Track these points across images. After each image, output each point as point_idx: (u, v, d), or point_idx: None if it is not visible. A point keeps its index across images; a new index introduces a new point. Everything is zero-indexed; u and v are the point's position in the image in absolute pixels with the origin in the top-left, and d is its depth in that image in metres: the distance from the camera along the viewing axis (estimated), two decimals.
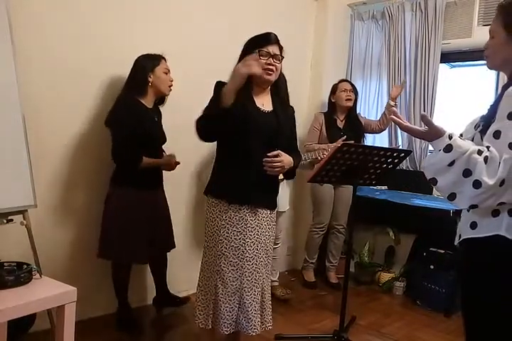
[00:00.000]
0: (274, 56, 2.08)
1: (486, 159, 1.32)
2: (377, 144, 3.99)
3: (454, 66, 4.00)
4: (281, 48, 2.14)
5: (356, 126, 3.67)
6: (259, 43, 2.09)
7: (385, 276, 3.75)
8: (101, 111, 2.74)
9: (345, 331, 2.66)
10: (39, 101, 2.48)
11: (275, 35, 2.14)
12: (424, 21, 3.72)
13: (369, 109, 4.15)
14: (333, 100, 3.69)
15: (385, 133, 3.89)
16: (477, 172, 1.32)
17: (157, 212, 2.72)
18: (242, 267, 2.08)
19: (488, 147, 1.34)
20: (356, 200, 2.70)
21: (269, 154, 2.03)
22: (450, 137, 1.38)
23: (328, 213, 3.67)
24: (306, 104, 4.12)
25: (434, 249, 3.39)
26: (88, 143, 2.74)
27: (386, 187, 3.92)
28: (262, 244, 2.13)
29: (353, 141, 3.08)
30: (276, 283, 3.45)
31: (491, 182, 1.29)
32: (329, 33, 4.07)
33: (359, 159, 2.42)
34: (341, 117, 3.68)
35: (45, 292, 1.71)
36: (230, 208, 2.09)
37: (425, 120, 1.42)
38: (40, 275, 1.84)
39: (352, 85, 3.66)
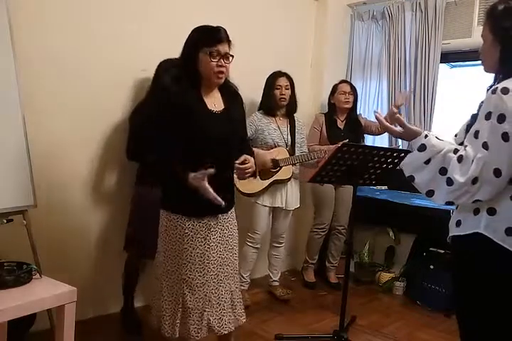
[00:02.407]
0: (224, 56, 1.96)
1: (459, 158, 1.40)
2: (377, 144, 3.98)
3: (454, 66, 4.00)
4: (229, 44, 2.01)
5: (356, 127, 3.66)
6: (208, 42, 1.94)
7: (385, 276, 3.75)
8: (101, 111, 2.74)
9: (345, 331, 2.66)
10: (39, 101, 2.47)
11: (225, 30, 1.98)
12: (424, 21, 3.71)
13: (369, 109, 4.13)
14: (332, 101, 3.68)
15: (385, 133, 3.88)
16: (450, 170, 1.41)
17: None
18: (207, 271, 2.05)
19: (466, 146, 1.41)
20: (356, 200, 2.70)
21: (237, 162, 2.01)
22: (426, 137, 1.49)
23: (329, 214, 3.66)
24: (307, 104, 4.12)
25: (434, 249, 3.40)
26: (88, 143, 2.73)
27: (386, 187, 3.91)
28: (225, 245, 2.11)
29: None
30: (277, 283, 3.45)
31: (461, 179, 1.37)
32: (329, 33, 4.06)
33: (359, 159, 2.42)
34: (341, 118, 3.67)
35: (45, 292, 1.72)
36: (191, 218, 2.03)
37: (399, 121, 1.57)
38: (40, 275, 1.84)
39: (351, 87, 3.63)
